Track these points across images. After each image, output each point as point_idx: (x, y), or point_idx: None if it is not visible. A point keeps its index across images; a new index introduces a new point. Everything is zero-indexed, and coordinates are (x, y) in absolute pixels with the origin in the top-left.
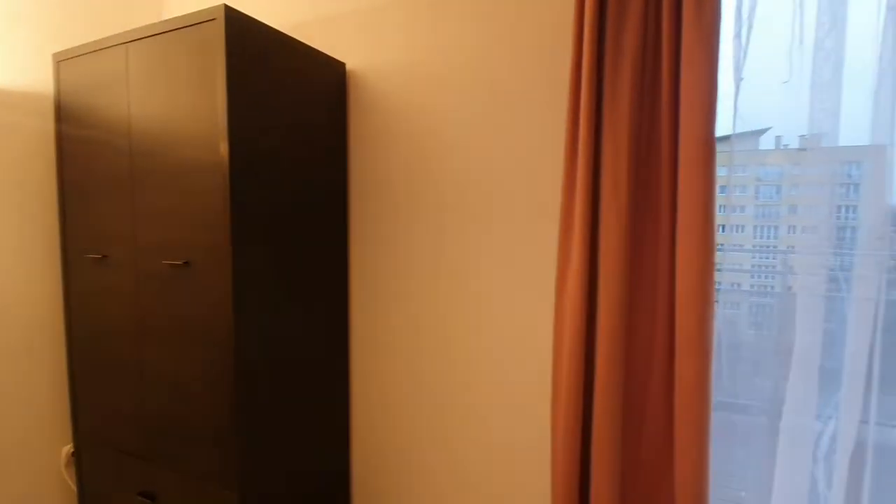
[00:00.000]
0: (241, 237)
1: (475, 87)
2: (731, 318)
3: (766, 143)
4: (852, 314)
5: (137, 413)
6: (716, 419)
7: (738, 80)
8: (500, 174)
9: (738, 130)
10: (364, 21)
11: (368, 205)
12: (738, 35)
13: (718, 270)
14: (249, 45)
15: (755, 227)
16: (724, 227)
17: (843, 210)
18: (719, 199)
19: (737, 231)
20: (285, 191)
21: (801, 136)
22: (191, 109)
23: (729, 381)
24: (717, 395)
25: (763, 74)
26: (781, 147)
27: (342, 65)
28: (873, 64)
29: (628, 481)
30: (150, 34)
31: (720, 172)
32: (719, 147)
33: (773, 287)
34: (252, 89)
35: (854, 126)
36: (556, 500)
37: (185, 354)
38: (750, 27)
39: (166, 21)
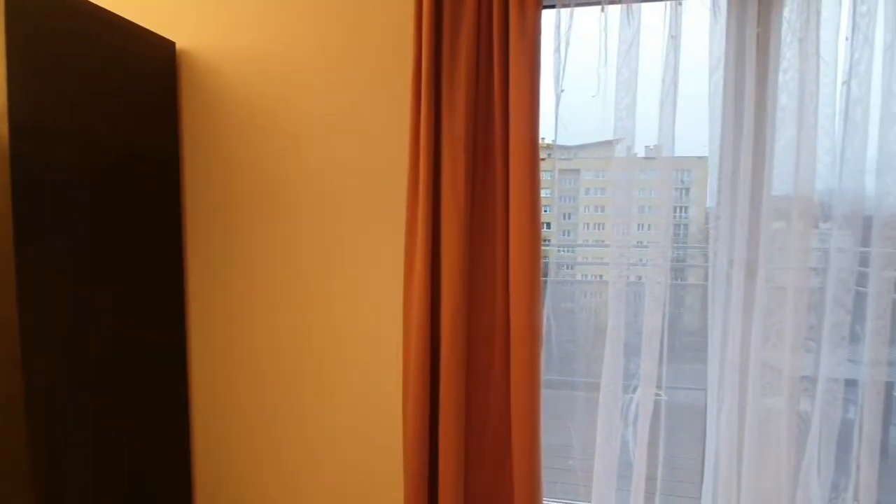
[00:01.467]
0: (29, 235)
1: (321, 80)
2: (595, 307)
3: (620, 151)
4: (648, 297)
5: None
6: (558, 396)
7: (559, 91)
8: (349, 174)
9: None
10: None
11: (207, 197)
12: (557, 50)
13: (584, 263)
14: (37, 9)
15: (613, 225)
16: (588, 224)
17: (643, 209)
18: (584, 199)
19: (598, 228)
20: (94, 180)
21: (647, 147)
22: None
23: (571, 362)
24: (561, 375)
25: (579, 88)
26: (631, 155)
27: (171, 43)
28: (658, 86)
29: (473, 464)
30: None
31: (586, 176)
32: (581, 153)
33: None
34: (43, 61)
35: (646, 140)
36: (407, 480)
37: None
38: (567, 43)
39: None
